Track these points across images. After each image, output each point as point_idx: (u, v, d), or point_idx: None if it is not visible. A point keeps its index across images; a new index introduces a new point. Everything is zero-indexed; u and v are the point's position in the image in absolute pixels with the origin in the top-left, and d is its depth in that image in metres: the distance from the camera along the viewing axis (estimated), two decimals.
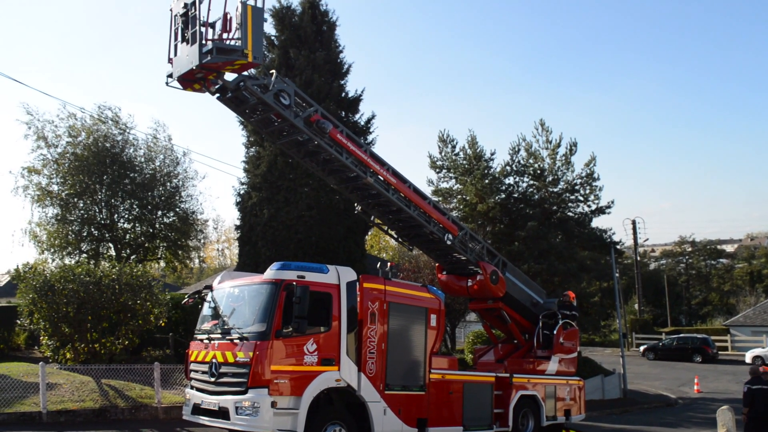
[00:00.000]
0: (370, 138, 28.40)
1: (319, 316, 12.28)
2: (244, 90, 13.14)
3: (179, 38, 13.15)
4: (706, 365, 42.01)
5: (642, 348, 48.77)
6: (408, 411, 13.51)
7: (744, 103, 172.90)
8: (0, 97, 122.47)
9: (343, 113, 27.73)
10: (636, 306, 61.36)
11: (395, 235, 17.34)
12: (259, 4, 12.77)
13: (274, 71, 13.93)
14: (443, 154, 32.83)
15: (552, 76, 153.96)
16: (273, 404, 11.40)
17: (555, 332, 17.87)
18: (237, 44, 12.57)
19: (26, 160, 46.72)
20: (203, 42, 12.50)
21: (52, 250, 28.60)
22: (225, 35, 12.71)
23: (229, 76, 13.22)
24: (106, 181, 28.53)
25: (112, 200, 29.14)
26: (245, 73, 13.27)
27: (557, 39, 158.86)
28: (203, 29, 12.58)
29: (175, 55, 13.29)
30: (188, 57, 12.75)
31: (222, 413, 11.84)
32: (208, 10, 12.60)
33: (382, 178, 15.00)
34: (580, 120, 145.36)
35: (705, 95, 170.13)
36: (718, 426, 9.13)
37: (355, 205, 16.54)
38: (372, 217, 16.69)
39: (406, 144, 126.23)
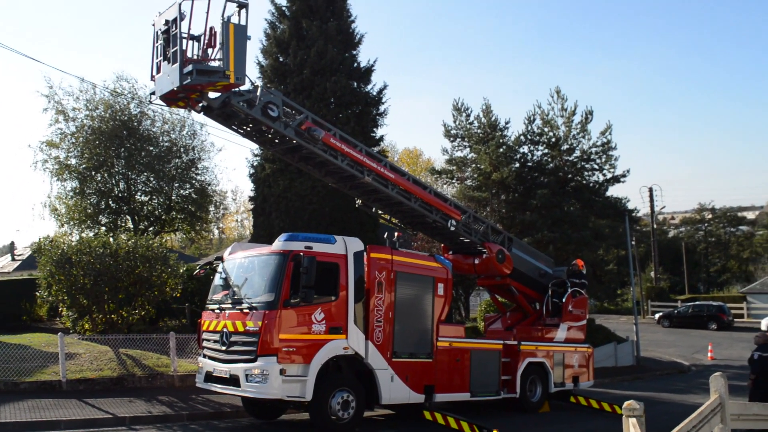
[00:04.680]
0: (382, 108, 28.44)
1: (327, 285, 12.53)
2: (230, 107, 12.95)
3: (161, 55, 12.79)
4: (722, 332, 41.85)
5: (657, 315, 48.59)
6: (415, 378, 13.78)
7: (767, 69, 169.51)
8: (19, 70, 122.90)
9: (355, 84, 27.75)
10: (652, 274, 61.19)
11: (399, 224, 17.38)
12: (243, 22, 12.33)
13: (258, 83, 13.63)
14: (458, 122, 32.64)
15: (569, 42, 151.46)
16: (282, 371, 11.73)
17: (564, 300, 18.03)
18: (219, 65, 12.16)
19: (45, 134, 47.29)
20: (184, 62, 12.09)
21: (72, 223, 29.07)
22: (210, 50, 12.32)
23: (214, 93, 12.81)
24: (124, 154, 28.86)
25: (129, 173, 29.49)
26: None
27: (574, 3, 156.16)
28: (188, 43, 12.21)
29: (158, 72, 12.96)
30: (169, 77, 12.43)
31: (233, 380, 12.22)
32: (189, 26, 12.23)
33: (380, 175, 15.01)
34: (599, 87, 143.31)
35: (726, 60, 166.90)
36: (710, 392, 9.21)
37: (356, 199, 16.52)
38: (374, 209, 16.76)
39: (420, 114, 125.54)
